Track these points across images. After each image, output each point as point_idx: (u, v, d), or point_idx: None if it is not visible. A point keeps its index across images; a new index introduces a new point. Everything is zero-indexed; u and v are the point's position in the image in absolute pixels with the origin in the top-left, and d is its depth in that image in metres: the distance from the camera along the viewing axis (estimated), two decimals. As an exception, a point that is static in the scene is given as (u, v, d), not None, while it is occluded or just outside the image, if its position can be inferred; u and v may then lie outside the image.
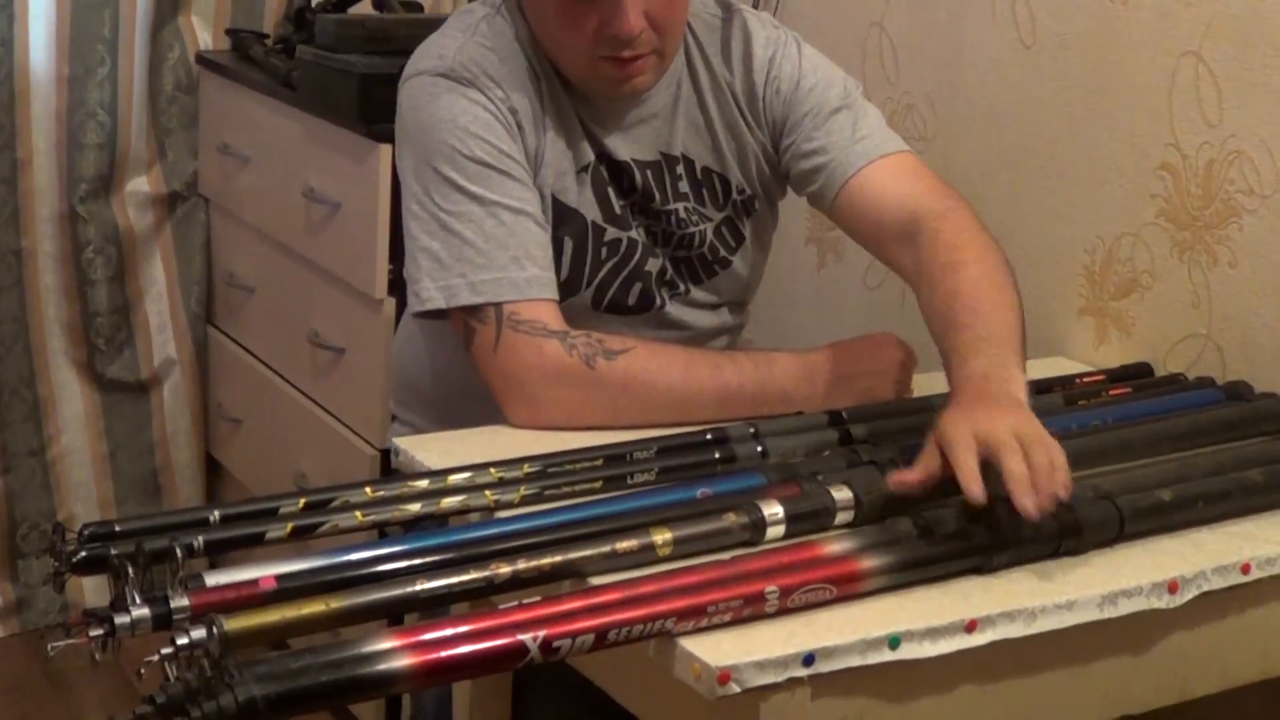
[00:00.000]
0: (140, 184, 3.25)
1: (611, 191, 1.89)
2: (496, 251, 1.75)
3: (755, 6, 2.74)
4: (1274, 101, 1.88)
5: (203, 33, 3.29)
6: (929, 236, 1.77)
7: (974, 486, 1.39)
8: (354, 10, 3.08)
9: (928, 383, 1.89)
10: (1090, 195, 2.13)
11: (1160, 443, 1.70)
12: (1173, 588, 1.44)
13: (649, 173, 1.91)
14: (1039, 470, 1.39)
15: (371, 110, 2.57)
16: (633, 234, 1.89)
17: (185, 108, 3.29)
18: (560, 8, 1.77)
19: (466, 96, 1.79)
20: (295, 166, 2.90)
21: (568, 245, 1.86)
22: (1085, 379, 1.95)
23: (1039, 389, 1.87)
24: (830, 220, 1.97)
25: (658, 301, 1.93)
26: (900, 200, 1.84)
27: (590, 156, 1.87)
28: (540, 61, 1.85)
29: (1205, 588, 1.46)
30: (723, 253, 1.97)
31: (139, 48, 3.16)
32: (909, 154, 1.92)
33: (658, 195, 1.91)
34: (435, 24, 1.99)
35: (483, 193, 1.76)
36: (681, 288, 1.95)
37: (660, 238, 1.93)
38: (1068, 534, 1.45)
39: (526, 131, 1.82)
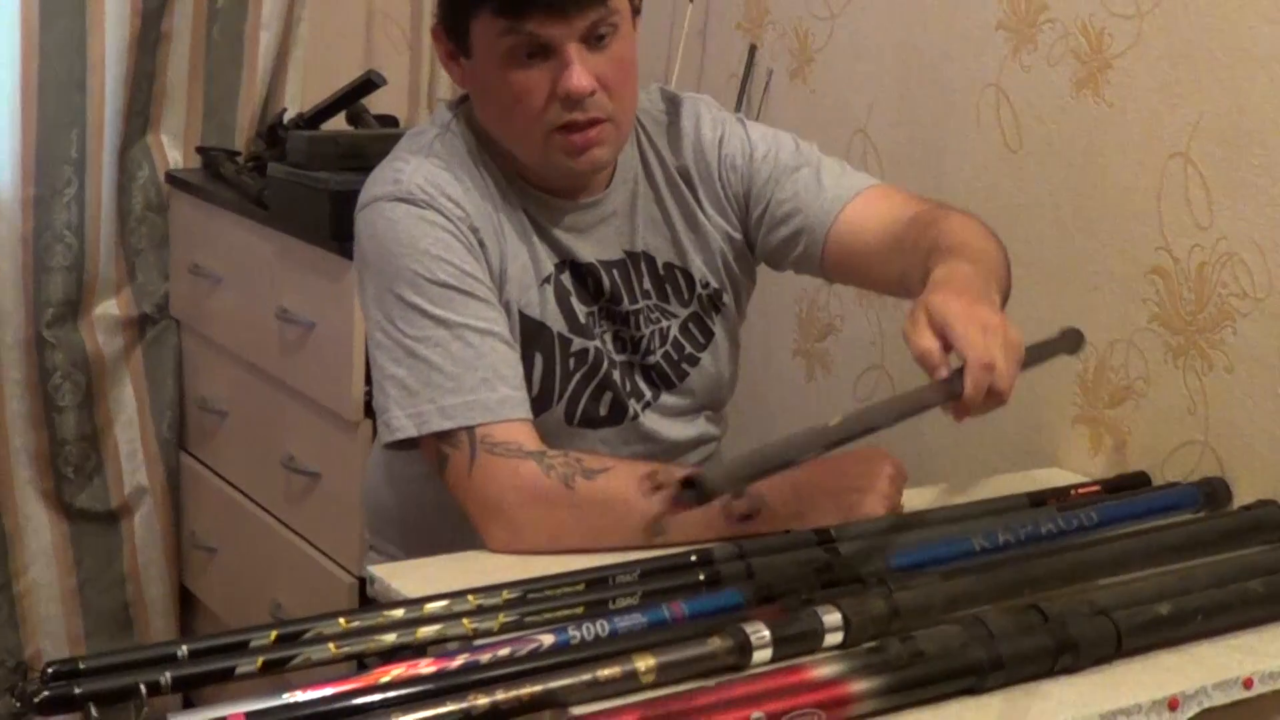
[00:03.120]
0: (109, 307, 3.27)
1: (574, 301, 1.91)
2: (465, 374, 1.76)
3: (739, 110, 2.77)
4: (1264, 201, 1.91)
5: (172, 151, 3.32)
6: (916, 222, 1.82)
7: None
8: (327, 126, 3.12)
9: (919, 498, 1.90)
10: (1081, 301, 2.15)
11: (1158, 554, 1.70)
12: (1173, 705, 1.44)
13: (615, 272, 1.93)
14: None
15: (345, 228, 2.58)
16: (598, 343, 1.91)
17: (155, 228, 3.32)
18: (510, 79, 1.78)
19: (425, 219, 1.81)
20: (268, 286, 2.92)
21: (538, 360, 1.87)
22: (1081, 490, 1.96)
23: (1033, 501, 1.88)
24: (826, 278, 1.99)
25: (630, 411, 1.94)
26: (884, 222, 1.88)
27: (551, 267, 1.89)
28: (497, 174, 1.88)
29: (1207, 704, 1.47)
30: (689, 350, 1.98)
31: (107, 167, 3.19)
32: (882, 185, 1.96)
33: (625, 296, 1.93)
34: (409, 140, 2.01)
35: (448, 316, 1.78)
36: (651, 394, 1.96)
37: (628, 343, 1.94)
38: (1064, 651, 1.45)
39: (489, 249, 1.84)
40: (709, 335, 2.00)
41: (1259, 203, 1.91)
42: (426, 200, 1.82)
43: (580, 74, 1.77)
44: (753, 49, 2.84)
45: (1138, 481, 2.03)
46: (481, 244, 1.83)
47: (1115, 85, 2.10)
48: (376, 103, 3.23)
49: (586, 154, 1.83)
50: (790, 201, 1.94)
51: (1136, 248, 2.07)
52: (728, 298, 2.01)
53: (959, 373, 1.52)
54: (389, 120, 3.26)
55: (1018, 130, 2.26)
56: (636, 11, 1.87)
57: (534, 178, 1.90)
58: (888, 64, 2.53)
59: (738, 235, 1.98)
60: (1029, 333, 2.19)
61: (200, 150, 3.32)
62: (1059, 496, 1.92)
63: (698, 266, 1.98)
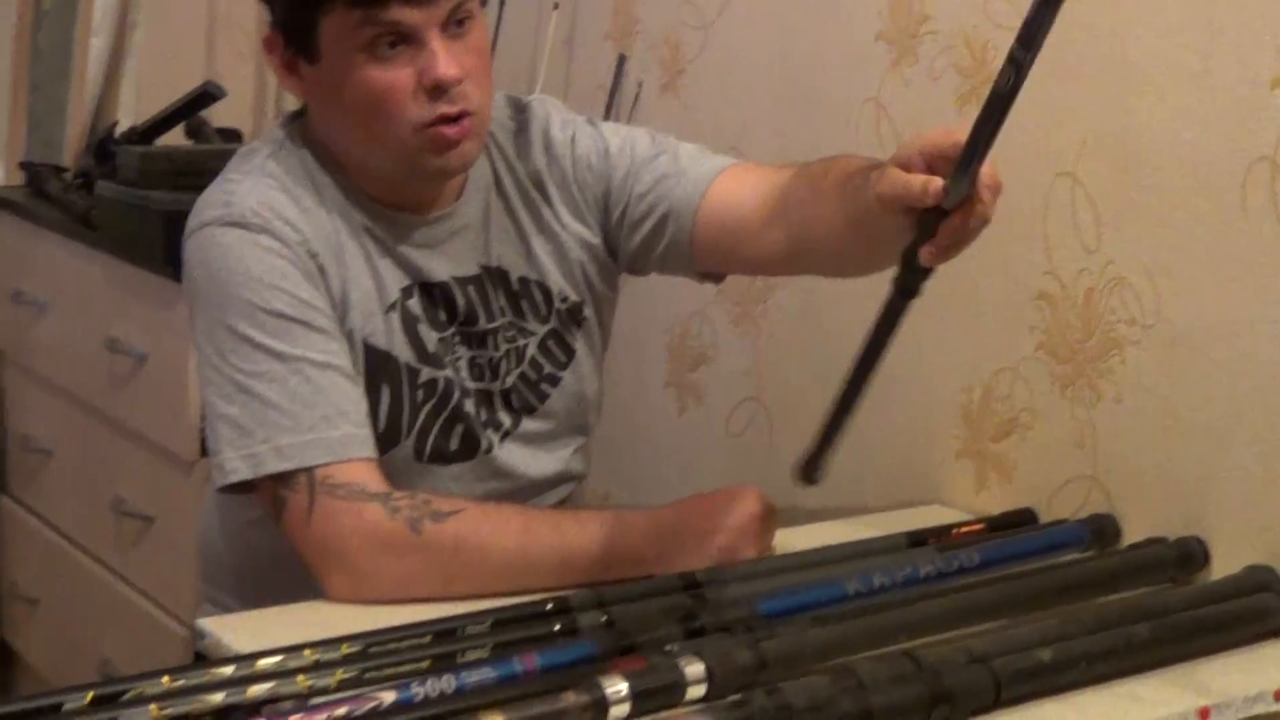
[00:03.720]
0: (-78, 337, 3.23)
1: (423, 327, 1.90)
2: (304, 411, 1.75)
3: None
4: (1154, 224, 1.94)
5: (-7, 167, 3.29)
6: (804, 173, 1.85)
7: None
8: (164, 141, 3.09)
9: (792, 538, 1.91)
10: (964, 329, 2.18)
11: (1042, 596, 1.72)
12: (1055, 757, 1.46)
13: (471, 289, 1.93)
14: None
15: (179, 251, 2.57)
16: (449, 372, 1.91)
17: (-27, 251, 3.28)
18: (370, 76, 1.77)
19: (260, 244, 1.80)
20: (96, 314, 2.89)
21: (384, 394, 1.87)
22: (963, 529, 1.98)
23: (912, 542, 1.90)
24: (695, 271, 2.01)
25: (484, 444, 1.94)
26: (758, 192, 1.90)
27: (397, 292, 1.88)
28: (337, 193, 1.87)
29: (1090, 755, 1.49)
30: (548, 369, 1.98)
31: (-80, 184, 3.15)
32: (743, 162, 1.99)
33: (481, 314, 1.93)
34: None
35: (284, 349, 1.76)
36: (509, 423, 1.96)
37: (484, 367, 1.94)
38: (939, 702, 1.46)
39: (329, 275, 1.83)
40: (570, 352, 2.00)
41: (1148, 225, 1.95)
42: (260, 224, 1.80)
43: (447, 60, 1.77)
44: (621, 60, 2.85)
45: (1023, 519, 2.06)
46: (321, 270, 1.82)
47: (999, 100, 2.12)
48: (219, 115, 3.22)
49: (458, 148, 1.82)
50: (652, 191, 1.95)
51: (1022, 272, 2.10)
52: (589, 311, 2.02)
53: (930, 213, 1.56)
54: (231, 134, 3.25)
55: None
56: (483, 2, 1.88)
57: (380, 192, 1.89)
58: (763, 76, 2.55)
59: (597, 241, 1.99)
60: (909, 367, 2.23)
61: (24, 166, 3.29)
62: (939, 536, 1.94)
63: (555, 279, 1.98)
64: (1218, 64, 1.86)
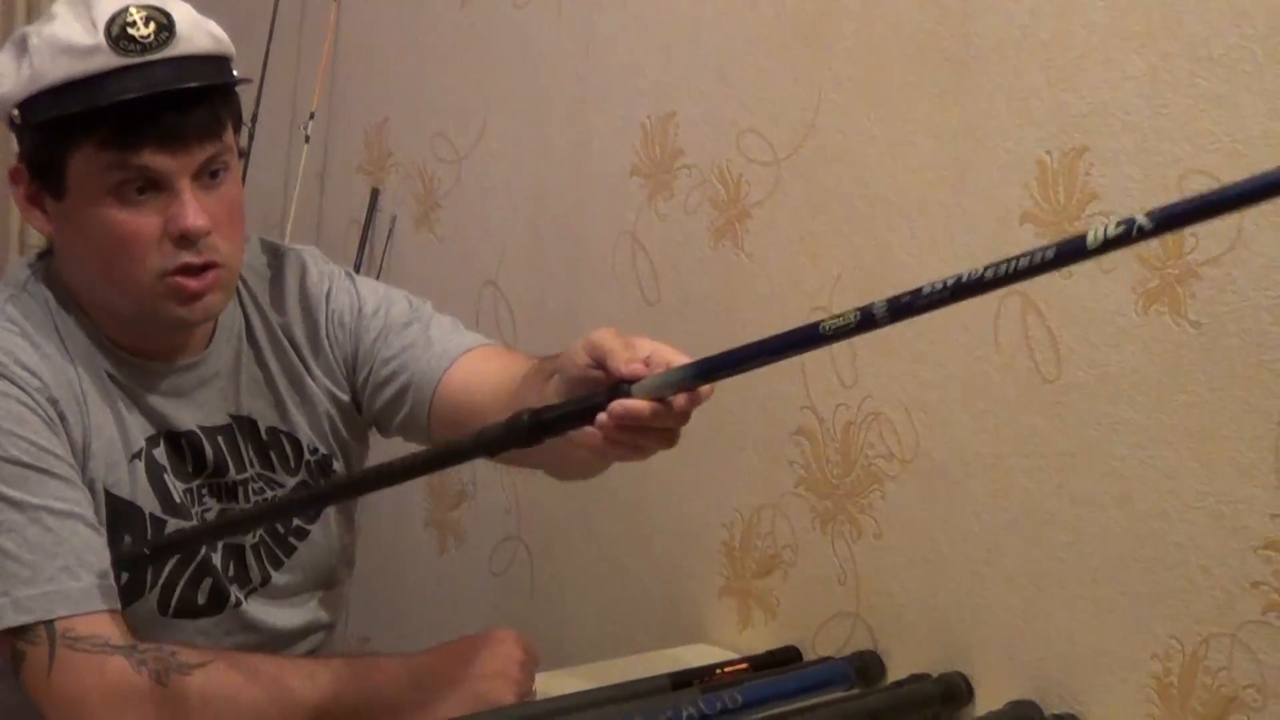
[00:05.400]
0: None
1: (169, 477, 1.85)
2: (44, 562, 1.69)
3: (358, 267, 2.76)
4: (909, 358, 1.96)
5: None
6: (536, 370, 1.78)
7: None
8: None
9: (554, 682, 1.89)
10: (725, 464, 2.18)
11: (805, 739, 1.72)
12: None
13: (220, 439, 1.88)
14: None
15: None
16: (196, 523, 1.86)
17: None
18: (115, 218, 1.72)
19: None
20: None
21: (126, 545, 1.81)
22: (728, 668, 1.97)
23: (675, 683, 1.88)
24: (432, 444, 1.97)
25: (232, 599, 1.89)
26: (499, 380, 1.85)
27: (142, 441, 1.83)
28: (80, 339, 1.82)
29: None
30: (297, 522, 1.94)
31: None
32: (497, 344, 1.97)
33: (231, 465, 1.88)
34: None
35: (22, 497, 1.70)
36: (258, 577, 1.91)
37: None
38: None
39: (70, 422, 1.77)
40: (319, 507, 1.97)
41: (904, 359, 1.97)
42: None
43: (196, 211, 1.73)
44: (375, 193, 2.84)
45: (789, 657, 2.05)
46: (62, 417, 1.77)
47: (755, 235, 2.14)
48: (-43, 251, 3.14)
49: (201, 300, 1.78)
50: (396, 359, 1.93)
51: (781, 407, 2.11)
52: (338, 464, 1.98)
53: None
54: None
55: (655, 281, 2.29)
56: (242, 154, 1.85)
57: (126, 338, 1.84)
58: (519, 211, 2.55)
59: (345, 397, 1.96)
60: (671, 503, 2.23)
61: None
62: (704, 677, 1.92)
63: (304, 431, 1.94)
64: (968, 198, 1.89)
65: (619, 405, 1.44)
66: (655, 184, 2.28)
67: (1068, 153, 1.79)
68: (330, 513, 1.97)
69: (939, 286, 1.24)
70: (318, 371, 1.94)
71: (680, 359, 1.47)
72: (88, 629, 1.68)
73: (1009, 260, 1.20)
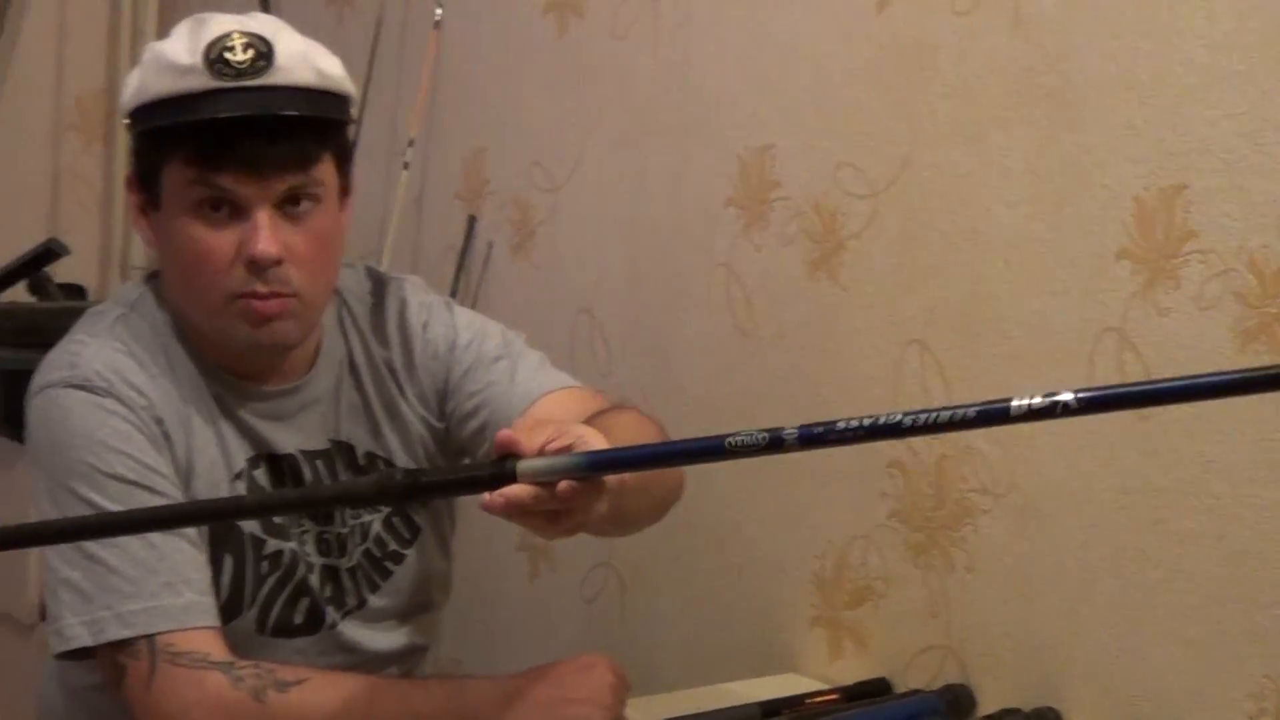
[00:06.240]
0: None
1: None
2: (146, 578, 1.71)
3: (454, 293, 2.79)
4: (1002, 391, 1.93)
5: None
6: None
7: None
8: (4, 298, 3.05)
9: (643, 709, 1.90)
10: (817, 495, 2.19)
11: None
12: None
13: (319, 463, 1.90)
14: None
15: (19, 411, 2.52)
16: (294, 544, 1.88)
17: None
18: (193, 234, 1.75)
19: (104, 408, 1.77)
20: (-71, 475, 2.83)
21: (227, 564, 1.83)
22: (818, 698, 1.98)
23: (765, 712, 1.89)
24: None
25: (329, 620, 1.91)
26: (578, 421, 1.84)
27: (244, 462, 1.86)
28: (185, 359, 1.84)
29: None
30: (393, 546, 1.96)
31: None
32: (581, 387, 1.96)
33: None
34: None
35: None
36: (354, 600, 1.93)
37: (331, 542, 1.91)
38: None
39: (174, 441, 1.80)
40: (415, 530, 1.98)
41: (995, 391, 1.93)
42: (105, 388, 1.78)
43: (268, 240, 1.75)
44: (472, 220, 2.86)
45: (878, 688, 2.06)
46: (166, 436, 1.80)
47: (850, 267, 2.15)
48: (63, 270, 3.18)
49: (268, 326, 1.79)
50: (480, 394, 1.94)
51: (874, 439, 2.11)
52: None
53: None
54: (76, 290, 3.21)
55: (750, 312, 2.30)
56: (345, 192, 1.86)
57: (228, 361, 1.87)
58: (614, 240, 2.57)
59: (439, 425, 1.97)
60: (762, 534, 2.23)
61: None
62: (794, 705, 1.93)
63: (400, 457, 1.96)
64: (1065, 234, 1.90)
65: (503, 493, 1.40)
66: (751, 215, 2.30)
67: (1166, 190, 1.80)
68: (427, 536, 1.99)
69: (854, 424, 1.24)
70: (412, 399, 1.96)
71: (596, 444, 1.45)
72: (188, 644, 1.71)
73: (930, 411, 1.19)
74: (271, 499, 1.67)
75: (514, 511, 1.41)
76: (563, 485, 1.40)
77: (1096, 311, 1.87)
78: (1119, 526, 1.84)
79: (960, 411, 1.20)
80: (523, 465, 1.39)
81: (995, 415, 1.20)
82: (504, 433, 1.45)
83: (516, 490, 1.40)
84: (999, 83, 1.97)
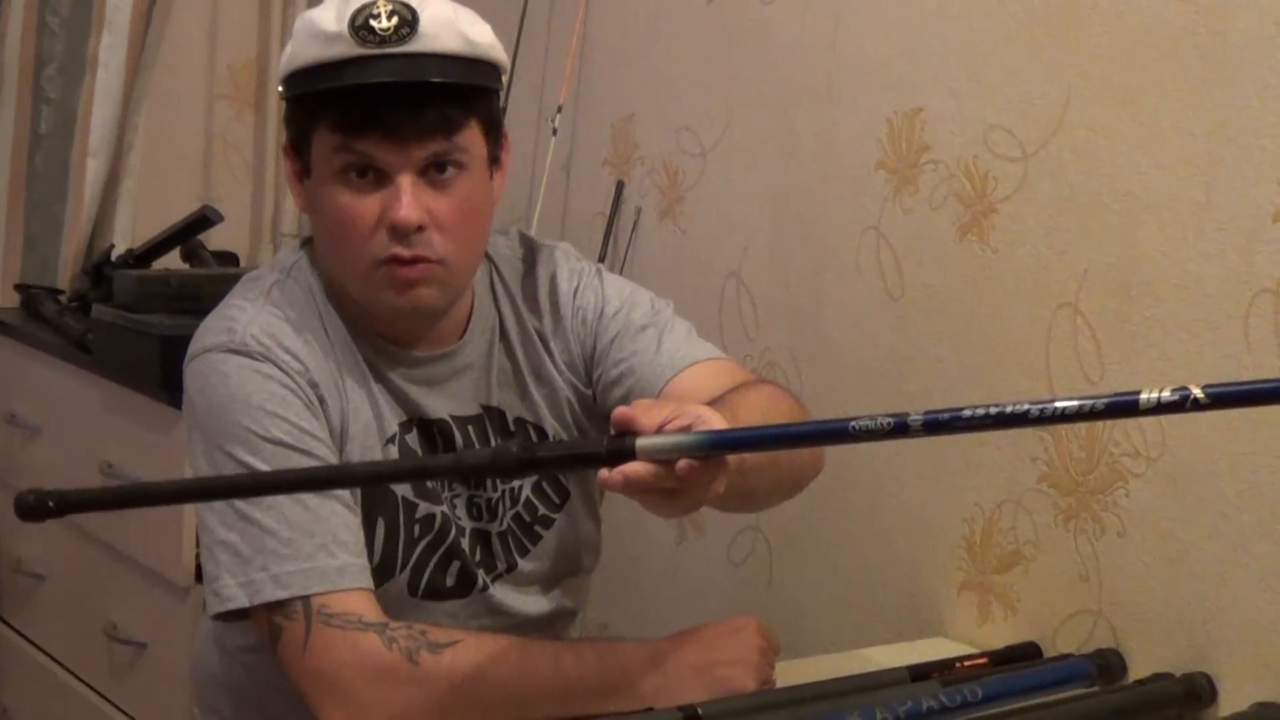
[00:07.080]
0: (-87, 459, 3.22)
1: None
2: (302, 540, 1.74)
3: (602, 259, 2.80)
4: (1155, 356, 1.95)
5: (-12, 289, 3.30)
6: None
7: None
8: (159, 264, 3.10)
9: (793, 671, 1.90)
10: (966, 459, 2.18)
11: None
12: None
13: (470, 428, 1.92)
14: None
15: (175, 376, 2.54)
16: (445, 508, 1.90)
17: (-33, 373, 3.28)
18: (339, 200, 1.78)
19: (261, 372, 1.80)
20: (91, 438, 2.89)
21: (380, 526, 1.86)
22: (967, 662, 1.97)
23: (914, 675, 1.89)
24: None
25: (480, 583, 1.93)
26: (716, 394, 1.81)
27: (396, 426, 1.88)
28: (340, 324, 1.87)
29: None
30: (543, 511, 1.98)
31: (-86, 305, 3.16)
32: (726, 359, 1.97)
33: None
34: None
35: None
36: (504, 564, 1.95)
37: (482, 506, 1.93)
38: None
39: (329, 406, 1.83)
40: (564, 494, 2.00)
41: (1151, 357, 1.95)
42: (262, 352, 1.81)
43: (410, 205, 1.77)
44: (620, 186, 2.87)
45: (1028, 653, 2.05)
46: (321, 400, 1.82)
47: (1000, 230, 2.14)
48: (215, 238, 3.23)
49: (411, 291, 1.81)
50: (626, 362, 1.95)
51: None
52: None
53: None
54: (228, 257, 3.26)
55: (900, 277, 2.30)
56: (495, 160, 1.88)
57: (380, 326, 1.89)
58: (762, 204, 2.57)
59: (587, 390, 1.99)
60: (911, 497, 2.23)
61: (19, 288, 3.29)
62: (943, 670, 1.92)
63: (550, 423, 1.98)
64: (1219, 195, 1.88)
65: (621, 471, 1.42)
66: (900, 179, 2.29)
67: (1324, 150, 1.77)
68: (576, 501, 2.00)
69: (979, 412, 1.25)
70: (561, 365, 1.97)
71: (715, 424, 1.46)
72: (342, 606, 1.73)
73: (1058, 402, 1.22)
74: (386, 468, 1.69)
75: (632, 488, 1.43)
76: (682, 463, 1.42)
77: (1251, 274, 1.84)
78: (1274, 490, 1.82)
79: (1088, 403, 1.21)
80: (642, 442, 1.41)
81: (1124, 408, 1.20)
82: (622, 410, 1.48)
83: (636, 468, 1.43)
84: (1153, 43, 1.95)
